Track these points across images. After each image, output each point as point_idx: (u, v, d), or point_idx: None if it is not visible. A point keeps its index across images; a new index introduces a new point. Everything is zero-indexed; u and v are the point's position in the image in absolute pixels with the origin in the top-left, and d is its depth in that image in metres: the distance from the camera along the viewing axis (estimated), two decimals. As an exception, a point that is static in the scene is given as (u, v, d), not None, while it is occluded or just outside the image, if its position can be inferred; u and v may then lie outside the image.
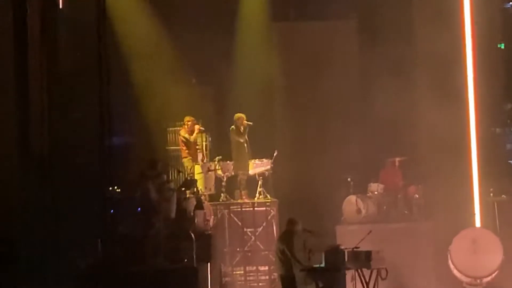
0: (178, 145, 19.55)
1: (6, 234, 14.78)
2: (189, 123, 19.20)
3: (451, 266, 18.22)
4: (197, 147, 19.41)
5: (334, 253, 15.54)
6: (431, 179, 19.62)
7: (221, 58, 20.44)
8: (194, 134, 19.10)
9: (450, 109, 19.72)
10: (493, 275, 18.02)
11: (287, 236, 16.09)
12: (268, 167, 19.12)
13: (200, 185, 18.42)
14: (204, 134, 19.55)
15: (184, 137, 19.11)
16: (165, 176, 16.97)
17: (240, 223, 18.72)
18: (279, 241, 16.22)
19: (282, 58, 20.71)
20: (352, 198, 19.33)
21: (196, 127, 19.12)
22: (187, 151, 19.14)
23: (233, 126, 19.16)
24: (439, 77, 19.74)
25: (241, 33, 20.84)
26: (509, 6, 20.99)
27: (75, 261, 15.06)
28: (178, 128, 19.64)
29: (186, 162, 19.12)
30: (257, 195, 18.97)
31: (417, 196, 19.35)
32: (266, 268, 18.53)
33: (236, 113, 19.28)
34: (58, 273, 10.29)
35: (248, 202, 18.90)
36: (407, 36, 20.34)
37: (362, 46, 20.74)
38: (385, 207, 19.41)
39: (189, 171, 18.86)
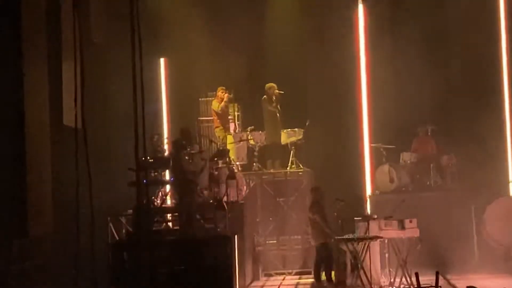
0: (210, 115, 19.59)
1: (39, 207, 14.94)
2: (220, 93, 19.24)
3: (485, 234, 18.17)
4: (229, 117, 19.44)
5: (367, 222, 15.56)
6: (464, 148, 19.52)
7: (253, 27, 20.39)
8: (223, 103, 19.11)
9: (484, 77, 19.60)
10: (528, 243, 17.99)
11: (317, 205, 16.17)
12: (301, 136, 19.11)
13: (232, 155, 18.46)
14: (236, 104, 19.56)
15: (215, 108, 19.15)
16: (197, 146, 17.02)
17: (272, 193, 18.75)
18: (309, 211, 16.32)
19: (314, 26, 20.60)
20: (385, 167, 19.30)
21: (225, 95, 19.13)
22: (219, 121, 19.18)
23: (265, 96, 19.14)
24: (472, 44, 19.60)
25: (273, 1, 20.76)
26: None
27: (110, 231, 15.21)
28: (210, 98, 19.69)
29: (218, 132, 19.18)
30: (289, 164, 18.97)
31: (450, 164, 19.26)
32: (299, 237, 18.57)
33: (268, 82, 19.26)
34: (92, 244, 10.37)
35: (281, 172, 18.92)
36: (439, 7, 20.17)
37: (394, 16, 20.52)
38: (418, 176, 19.35)
39: (221, 141, 18.91)
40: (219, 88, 19.35)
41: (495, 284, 15.58)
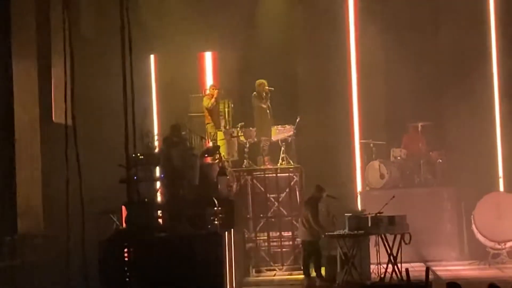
0: (200, 112, 19.54)
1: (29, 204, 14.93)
2: (210, 90, 19.23)
3: (475, 230, 18.21)
4: (220, 113, 19.40)
5: (357, 218, 15.57)
6: (454, 144, 19.56)
7: (243, 23, 20.36)
8: (213, 99, 19.07)
9: (475, 73, 19.62)
10: (517, 239, 18.03)
11: (312, 202, 16.15)
12: (291, 133, 19.09)
13: (223, 152, 18.42)
14: (226, 101, 19.54)
15: (206, 104, 19.11)
16: (188, 143, 16.98)
17: (263, 189, 18.74)
18: (304, 207, 16.29)
19: (305, 22, 20.58)
20: (375, 163, 19.33)
21: (215, 92, 19.12)
22: (210, 117, 19.15)
23: (255, 92, 19.12)
24: (464, 39, 19.64)
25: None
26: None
27: (100, 228, 15.16)
28: (201, 94, 19.65)
29: (210, 128, 19.14)
30: (280, 161, 18.96)
31: (440, 161, 19.29)
32: (290, 233, 18.58)
33: (258, 79, 19.23)
34: (83, 241, 10.38)
35: (271, 168, 18.90)
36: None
37: (384, 10, 20.46)
38: (408, 172, 19.37)
39: (212, 137, 18.88)
40: (210, 85, 19.38)
41: (484, 276, 15.62)
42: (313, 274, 16.35)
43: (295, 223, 18.21)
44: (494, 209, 18.16)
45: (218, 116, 19.30)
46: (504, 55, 19.75)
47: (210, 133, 19.03)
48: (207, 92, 19.38)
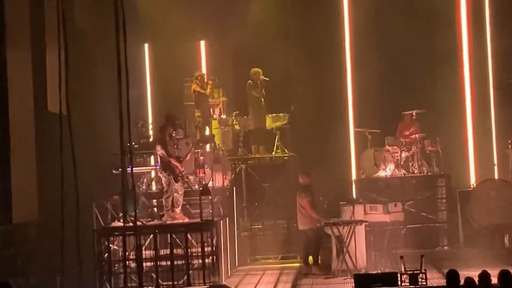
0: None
1: (24, 194, 14.91)
2: (200, 77, 19.05)
3: (469, 217, 18.23)
4: (214, 102, 19.37)
5: (352, 206, 15.60)
6: (449, 132, 19.58)
7: (237, 12, 20.33)
8: (208, 89, 18.99)
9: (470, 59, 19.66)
10: (512, 226, 18.09)
11: (309, 190, 16.17)
12: (285, 121, 19.11)
13: (217, 140, 18.44)
14: (221, 89, 19.52)
15: (195, 92, 18.95)
16: (182, 131, 16.99)
17: (257, 178, 18.75)
18: (299, 196, 16.31)
19: (298, 10, 20.56)
20: (370, 151, 19.33)
21: (209, 82, 19.04)
22: (197, 108, 19.02)
23: (250, 81, 19.11)
24: (457, 29, 19.66)
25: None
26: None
27: (95, 217, 15.18)
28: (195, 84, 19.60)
29: (199, 117, 19.07)
30: (274, 149, 18.98)
31: (435, 148, 19.29)
32: (285, 222, 18.60)
33: (253, 68, 19.21)
34: (77, 230, 10.39)
35: (266, 157, 18.92)
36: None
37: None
38: (403, 160, 19.37)
39: (200, 125, 18.84)
40: (197, 72, 19.19)
41: (479, 263, 15.66)
42: (311, 261, 16.38)
43: (289, 211, 18.24)
44: (489, 196, 18.17)
45: (208, 105, 19.18)
46: (496, 40, 19.76)
47: (199, 123, 18.97)
48: (196, 79, 19.15)
